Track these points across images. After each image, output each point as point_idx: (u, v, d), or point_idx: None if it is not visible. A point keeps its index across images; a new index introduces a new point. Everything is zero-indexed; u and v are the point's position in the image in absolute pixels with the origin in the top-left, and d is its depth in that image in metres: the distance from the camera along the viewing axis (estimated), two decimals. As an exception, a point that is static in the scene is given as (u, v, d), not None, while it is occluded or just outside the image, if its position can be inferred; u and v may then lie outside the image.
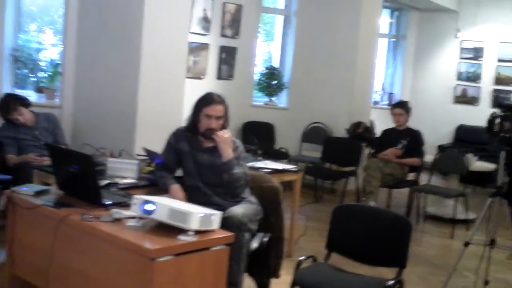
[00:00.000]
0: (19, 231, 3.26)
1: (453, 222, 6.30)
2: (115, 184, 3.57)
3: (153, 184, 3.79)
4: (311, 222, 5.95)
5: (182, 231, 2.71)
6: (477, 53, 10.20)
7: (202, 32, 6.83)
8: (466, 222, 6.55)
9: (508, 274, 4.77)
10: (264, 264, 3.77)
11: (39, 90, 5.60)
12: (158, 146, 4.13)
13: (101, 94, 5.23)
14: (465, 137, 10.08)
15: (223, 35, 7.24)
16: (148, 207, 2.77)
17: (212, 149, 3.70)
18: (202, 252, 2.74)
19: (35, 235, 3.12)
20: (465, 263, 4.63)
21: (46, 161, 4.45)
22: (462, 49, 10.31)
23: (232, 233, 2.93)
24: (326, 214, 6.58)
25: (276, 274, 3.97)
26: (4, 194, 3.35)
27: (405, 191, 6.97)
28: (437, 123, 9.69)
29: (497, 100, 9.73)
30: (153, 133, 4.83)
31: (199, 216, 2.73)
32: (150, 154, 4.12)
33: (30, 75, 5.73)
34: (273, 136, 7.98)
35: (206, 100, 3.65)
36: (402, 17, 10.66)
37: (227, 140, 3.60)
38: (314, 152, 7.80)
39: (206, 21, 6.88)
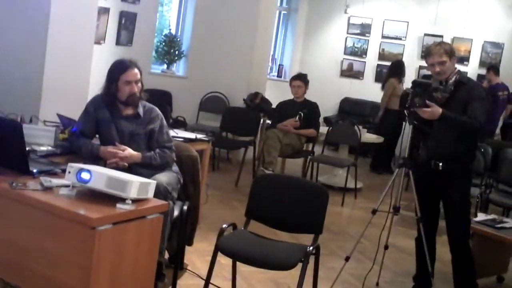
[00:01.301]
0: None
1: (343, 190, 6.71)
2: (33, 151, 3.46)
3: (69, 151, 3.71)
4: (211, 191, 6.06)
5: (119, 200, 2.72)
6: (364, 29, 10.72)
7: (102, -5, 6.61)
8: (355, 191, 6.99)
9: (400, 240, 5.20)
10: (180, 232, 3.85)
11: None
12: (65, 112, 4.03)
13: (6, 56, 4.91)
14: (349, 109, 10.62)
15: (124, 0, 7.06)
16: (84, 175, 2.75)
17: (133, 117, 3.69)
18: (139, 221, 2.78)
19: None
20: (359, 229, 4.98)
21: None
22: (350, 24, 10.77)
23: (166, 202, 2.99)
24: (225, 182, 6.81)
25: (190, 242, 4.08)
26: None
27: (297, 161, 7.29)
28: (324, 95, 10.06)
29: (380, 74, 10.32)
30: (60, 99, 4.68)
31: (137, 185, 2.75)
32: (64, 120, 4.00)
33: None
34: (171, 105, 7.95)
35: (122, 67, 3.63)
36: (295, -10, 10.90)
37: (128, 154, 3.57)
38: (211, 121, 7.89)
39: (107, -16, 6.67)
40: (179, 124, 7.30)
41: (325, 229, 5.39)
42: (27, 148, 3.39)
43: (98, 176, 2.74)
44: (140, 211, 2.76)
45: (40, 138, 3.68)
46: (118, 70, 3.62)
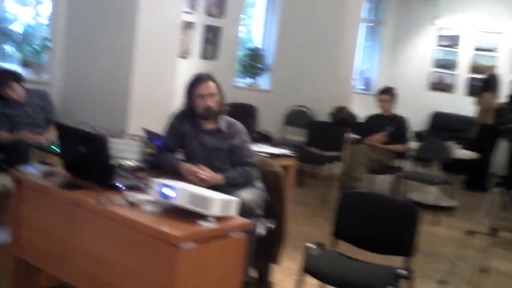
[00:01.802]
0: (26, 213, 3.12)
1: (435, 209, 6.38)
2: (120, 166, 3.46)
3: (154, 166, 3.70)
4: (297, 207, 5.93)
5: (201, 217, 2.64)
6: (453, 41, 10.30)
7: (189, 10, 6.68)
8: (448, 209, 6.65)
9: (498, 263, 4.85)
10: (266, 251, 3.74)
11: (25, 64, 5.39)
12: (150, 126, 4.05)
13: (93, 71, 5.07)
14: (441, 124, 10.20)
15: (209, 14, 7.11)
16: (167, 191, 2.69)
17: (215, 131, 3.64)
18: (223, 239, 2.68)
19: (46, 219, 3.00)
20: (451, 250, 4.69)
21: (41, 139, 4.31)
22: (439, 36, 10.38)
23: (250, 220, 2.88)
24: (310, 198, 6.67)
25: (276, 261, 3.95)
26: (5, 174, 3.22)
27: (385, 177, 7.02)
28: (413, 109, 9.73)
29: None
30: (146, 113, 4.75)
31: (220, 202, 2.66)
32: (150, 134, 4.02)
33: (16, 49, 5.51)
34: (255, 118, 7.91)
35: (194, 82, 3.60)
36: (381, 2, 10.66)
37: (209, 177, 3.47)
38: (296, 135, 7.78)
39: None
40: (264, 138, 7.23)
41: (417, 250, 5.19)
42: (113, 163, 3.42)
43: (181, 192, 2.68)
44: (223, 229, 2.67)
45: (126, 152, 3.69)
46: (191, 84, 3.60)
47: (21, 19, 5.69)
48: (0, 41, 5.34)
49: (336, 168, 7.01)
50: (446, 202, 6.65)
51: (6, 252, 3.26)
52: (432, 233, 6.02)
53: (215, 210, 2.64)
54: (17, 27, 5.62)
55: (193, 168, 3.49)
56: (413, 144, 7.03)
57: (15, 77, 4.52)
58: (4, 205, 3.54)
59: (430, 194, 6.86)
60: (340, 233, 3.51)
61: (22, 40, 5.49)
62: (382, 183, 7.23)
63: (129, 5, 4.77)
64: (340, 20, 7.71)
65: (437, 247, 5.49)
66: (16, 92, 4.49)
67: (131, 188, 2.98)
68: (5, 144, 4.35)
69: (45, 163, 3.36)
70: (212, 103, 3.57)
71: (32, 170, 3.10)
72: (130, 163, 3.60)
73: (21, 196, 3.12)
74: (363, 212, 3.48)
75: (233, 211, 2.80)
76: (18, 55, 5.51)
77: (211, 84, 3.59)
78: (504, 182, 3.63)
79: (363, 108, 8.25)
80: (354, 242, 3.49)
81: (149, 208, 2.73)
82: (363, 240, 3.45)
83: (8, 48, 5.55)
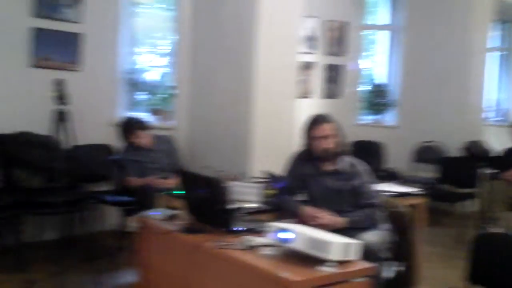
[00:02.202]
0: (151, 255, 3.22)
1: None
2: (241, 209, 3.47)
3: (275, 209, 3.66)
4: (430, 247, 5.62)
5: (319, 261, 2.54)
6: None
7: (308, 50, 6.71)
8: None
9: None
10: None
11: (154, 112, 5.66)
12: (271, 168, 4.04)
13: (215, 115, 5.22)
14: None
15: (330, 53, 7.09)
16: (285, 235, 2.63)
17: (335, 173, 3.55)
18: (344, 285, 2.56)
19: (168, 261, 3.07)
20: None
21: (167, 183, 4.46)
22: None
23: (373, 264, 2.74)
24: (445, 238, 6.29)
25: (407, 305, 3.73)
26: (134, 217, 3.34)
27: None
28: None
29: None
30: (266, 155, 4.76)
31: (340, 245, 2.55)
32: (272, 177, 4.01)
33: (145, 97, 5.81)
34: (382, 156, 7.69)
35: (310, 123, 3.58)
36: (511, 29, 10.08)
37: (330, 221, 3.38)
38: (425, 172, 7.46)
39: (311, 40, 6.76)
40: (391, 176, 6.98)
41: None
42: (234, 206, 3.43)
43: (299, 236, 2.61)
44: (343, 274, 2.54)
45: (247, 195, 3.72)
46: (307, 126, 3.57)
47: (153, 69, 5.99)
48: (131, 91, 5.64)
49: (471, 206, 6.60)
50: None
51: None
52: None
53: (335, 254, 2.53)
54: (149, 76, 5.92)
55: (314, 212, 3.42)
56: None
57: (139, 125, 4.74)
58: (132, 246, 3.67)
59: None
60: (476, 277, 3.24)
61: (152, 89, 5.78)
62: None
63: (246, 50, 4.88)
64: (466, 50, 7.43)
65: None
66: (142, 139, 4.69)
67: (250, 231, 2.97)
68: (135, 188, 4.55)
69: (170, 207, 3.45)
70: (328, 144, 3.51)
71: (157, 214, 3.18)
72: (251, 205, 3.60)
73: (145, 239, 3.21)
74: (502, 255, 3.20)
75: (354, 254, 2.67)
76: (148, 103, 5.80)
77: (325, 126, 3.54)
78: None
79: (499, 140, 7.74)
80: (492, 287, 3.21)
81: (266, 251, 2.69)
82: (503, 285, 3.16)
83: (141, 96, 5.86)
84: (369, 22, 8.01)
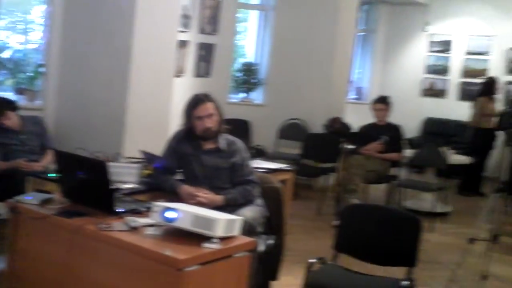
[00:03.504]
0: (22, 242, 3.09)
1: (430, 215, 6.39)
2: (118, 189, 3.45)
3: (153, 188, 3.69)
4: (294, 220, 5.91)
5: (204, 238, 2.64)
6: (445, 46, 10.34)
7: (182, 29, 6.70)
8: (443, 215, 6.65)
9: (498, 268, 4.84)
10: (266, 267, 3.73)
11: (19, 91, 5.38)
12: (148, 147, 4.04)
13: (88, 95, 5.06)
14: (433, 130, 10.23)
15: (202, 32, 7.13)
16: (170, 214, 2.69)
17: (215, 151, 3.65)
18: (226, 260, 2.68)
19: (46, 247, 2.98)
20: (449, 257, 4.67)
21: (36, 166, 4.30)
22: (431, 42, 10.44)
23: (253, 239, 2.88)
24: (307, 211, 6.64)
25: (275, 277, 3.94)
26: (2, 203, 3.20)
27: (379, 186, 7.01)
28: (406, 116, 9.75)
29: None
30: (143, 135, 4.74)
31: (223, 222, 2.66)
32: (148, 156, 4.01)
33: (8, 76, 5.51)
34: (249, 134, 7.91)
35: (192, 103, 3.62)
36: (372, 11, 10.71)
37: (208, 199, 3.47)
38: (291, 149, 7.77)
39: (186, 18, 6.74)
40: (258, 153, 7.21)
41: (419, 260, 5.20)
42: (111, 187, 3.41)
43: (184, 214, 2.67)
44: (227, 250, 2.66)
45: (124, 175, 3.69)
46: (189, 106, 3.62)
47: (11, 46, 5.68)
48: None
49: (332, 180, 7.00)
50: (441, 208, 6.65)
51: (1, 281, 3.24)
52: (427, 240, 5.97)
53: (219, 231, 2.64)
54: (7, 54, 5.61)
55: (193, 190, 3.49)
56: (408, 152, 7.04)
57: (9, 105, 4.52)
58: (1, 234, 3.52)
59: (425, 201, 6.87)
60: (341, 246, 3.52)
61: (14, 67, 5.48)
62: (377, 192, 7.22)
63: (124, 27, 4.78)
64: (334, 31, 7.73)
65: (433, 254, 5.48)
66: (11, 120, 4.48)
67: (131, 212, 2.98)
68: (1, 173, 4.33)
69: (42, 191, 3.34)
70: (210, 123, 3.59)
71: (30, 198, 3.08)
72: (129, 186, 3.60)
73: (17, 225, 3.09)
74: (365, 224, 3.49)
75: (236, 231, 2.80)
76: (10, 82, 5.50)
77: (209, 105, 3.60)
78: (505, 187, 3.64)
79: (356, 117, 8.25)
80: (356, 254, 3.50)
81: (151, 232, 2.73)
82: (366, 252, 3.46)
83: (3, 75, 5.55)
84: (242, 1, 8.13)
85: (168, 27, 5.03)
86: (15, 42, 5.81)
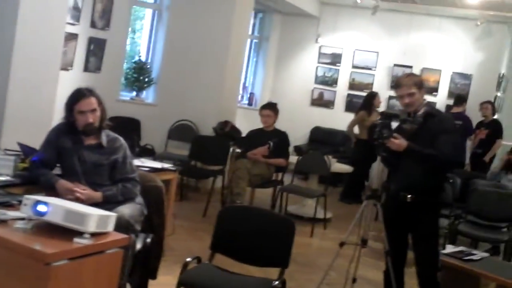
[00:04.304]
0: None
1: (312, 221, 6.65)
2: (-10, 181, 3.34)
3: (29, 182, 3.59)
4: (179, 221, 5.95)
5: (77, 233, 2.62)
6: (335, 59, 10.78)
7: (71, 21, 6.53)
8: (324, 221, 6.93)
9: (369, 272, 5.13)
10: (143, 265, 3.73)
11: None
12: (27, 141, 3.93)
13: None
14: (320, 138, 10.62)
15: (93, 26, 6.98)
16: (41, 208, 2.64)
17: (95, 147, 3.61)
18: (98, 255, 2.66)
19: None
20: (326, 261, 4.90)
21: None
22: (321, 54, 10.84)
23: (126, 236, 2.89)
24: (193, 213, 6.69)
25: (154, 275, 3.94)
26: None
27: (267, 190, 7.20)
28: (295, 124, 10.08)
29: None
30: (23, 127, 4.59)
31: (96, 218, 2.65)
32: (25, 149, 3.89)
33: None
34: (139, 132, 7.84)
35: (75, 97, 3.56)
36: (266, 19, 10.96)
37: (86, 195, 3.44)
38: (180, 150, 7.79)
39: (76, 11, 6.58)
40: (147, 152, 7.17)
41: (293, 261, 5.32)
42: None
43: (55, 208, 2.63)
44: (98, 246, 2.65)
45: (-1, 167, 3.57)
46: (72, 100, 3.54)
47: None
48: None
49: (220, 182, 7.09)
50: (322, 214, 6.93)
51: None
52: (308, 244, 6.27)
53: (91, 227, 2.62)
54: None
55: (70, 185, 3.43)
56: (293, 158, 7.27)
57: None
58: None
59: (308, 207, 7.13)
60: (218, 246, 3.60)
61: None
62: (263, 196, 7.41)
63: (7, 14, 4.59)
64: (227, 35, 7.82)
65: (312, 258, 5.72)
66: None
67: (1, 205, 2.89)
68: None
69: None
70: (93, 119, 3.54)
71: None
72: (3, 178, 3.48)
73: None
74: (242, 225, 3.59)
75: (110, 226, 2.79)
76: None
77: (92, 100, 3.56)
78: (374, 194, 3.88)
79: (247, 123, 8.42)
80: (233, 255, 3.59)
81: (20, 225, 2.66)
82: (241, 253, 3.56)
83: None
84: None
85: (56, 18, 4.89)
86: None
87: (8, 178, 3.53)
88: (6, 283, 2.55)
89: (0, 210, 2.79)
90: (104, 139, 3.62)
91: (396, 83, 3.93)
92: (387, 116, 3.70)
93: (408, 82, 3.79)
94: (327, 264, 4.39)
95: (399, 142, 3.64)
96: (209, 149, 7.25)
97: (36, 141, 3.79)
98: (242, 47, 8.24)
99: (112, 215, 2.82)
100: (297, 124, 10.41)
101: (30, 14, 4.64)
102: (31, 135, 4.16)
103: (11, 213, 2.76)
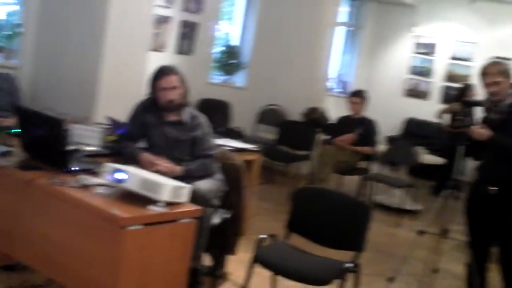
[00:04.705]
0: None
1: (399, 211, 6.50)
2: (79, 150, 3.51)
3: (115, 153, 3.75)
4: (264, 203, 6.01)
5: (152, 201, 2.71)
6: (430, 49, 10.43)
7: (165, 4, 6.72)
8: (412, 212, 6.76)
9: (452, 265, 4.95)
10: (222, 240, 3.81)
11: (-4, 49, 5.42)
12: (117, 115, 4.09)
13: (63, 58, 5.10)
14: (414, 130, 10.33)
15: (186, 10, 7.16)
16: (119, 175, 2.76)
17: (177, 123, 3.70)
18: (171, 224, 2.75)
19: (-1, 196, 3.05)
20: (413, 252, 4.79)
21: (3, 121, 4.33)
22: (416, 44, 10.53)
23: (199, 207, 2.95)
24: (279, 195, 6.73)
25: (232, 251, 4.02)
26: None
27: (355, 178, 7.11)
28: (387, 114, 9.86)
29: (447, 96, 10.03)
30: (113, 103, 4.79)
31: (170, 188, 2.73)
32: (114, 123, 4.07)
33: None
34: (229, 115, 7.97)
35: (157, 74, 3.66)
36: (361, 7, 10.78)
37: (167, 169, 3.50)
38: (269, 133, 7.86)
39: (170, -6, 6.79)
40: (235, 134, 7.28)
41: (376, 250, 5.28)
42: (74, 147, 3.47)
43: (132, 177, 2.75)
44: (171, 214, 2.74)
45: (88, 138, 3.76)
46: (154, 77, 3.65)
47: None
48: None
49: (306, 167, 7.09)
50: (410, 206, 6.76)
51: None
52: (392, 234, 6.12)
53: (165, 196, 2.71)
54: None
55: (152, 158, 3.55)
56: (382, 147, 7.13)
57: None
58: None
59: (395, 197, 6.97)
60: (293, 226, 3.60)
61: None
62: (350, 183, 7.32)
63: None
64: (316, 22, 7.80)
65: (395, 248, 5.59)
66: (-20, 75, 4.53)
67: (86, 171, 3.04)
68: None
69: (5, 144, 3.40)
70: (174, 96, 3.62)
71: (-11, 150, 3.14)
72: (91, 148, 3.66)
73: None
74: (317, 207, 3.57)
75: (184, 197, 2.87)
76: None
77: (173, 78, 3.64)
78: (456, 185, 3.73)
79: (338, 110, 8.33)
80: (307, 235, 3.58)
81: (100, 190, 2.80)
82: (316, 234, 3.54)
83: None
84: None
85: (144, 1, 5.07)
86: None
87: (96, 148, 3.70)
88: (85, 243, 2.69)
89: (84, 176, 2.93)
90: (185, 116, 3.70)
91: (481, 71, 3.74)
92: (469, 104, 3.55)
93: (493, 71, 3.61)
94: (411, 255, 4.30)
95: (480, 131, 3.48)
96: (296, 134, 7.27)
97: (125, 116, 3.95)
98: (330, 34, 8.18)
99: (186, 186, 2.89)
100: (390, 114, 10.16)
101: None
102: (121, 110, 4.34)
103: (94, 180, 2.90)
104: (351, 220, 3.44)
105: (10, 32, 5.48)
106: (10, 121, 4.33)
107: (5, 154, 3.15)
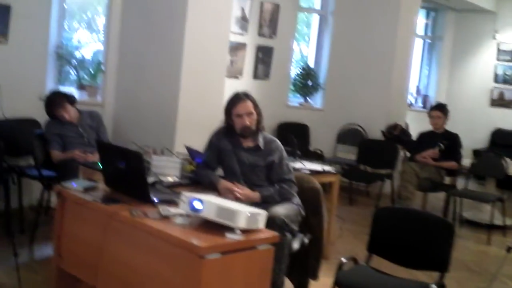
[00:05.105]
0: (67, 226, 3.34)
1: (489, 227, 6.22)
2: (160, 181, 3.62)
3: (195, 182, 3.83)
4: (346, 225, 5.93)
5: (229, 229, 2.75)
6: (514, 56, 10.05)
7: (239, 31, 6.86)
8: (503, 228, 6.45)
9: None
10: (303, 265, 3.79)
11: (81, 87, 5.70)
12: (198, 145, 4.19)
13: (143, 92, 5.31)
14: (502, 141, 9.91)
15: (261, 35, 7.27)
16: (196, 204, 2.81)
17: (254, 149, 3.73)
18: (248, 251, 2.78)
19: (84, 230, 3.20)
20: (503, 270, 4.58)
21: (91, 157, 4.55)
22: (500, 50, 10.15)
23: (277, 233, 2.96)
24: (361, 216, 6.63)
25: (315, 276, 3.97)
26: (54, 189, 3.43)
27: (440, 195, 6.89)
28: (472, 126, 9.57)
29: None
30: (193, 132, 4.90)
31: (246, 215, 2.76)
32: (192, 152, 4.17)
33: (73, 72, 5.82)
34: (308, 137, 7.97)
35: (232, 101, 3.72)
36: (439, 18, 10.55)
37: (244, 195, 3.56)
38: (348, 153, 7.78)
39: (243, 20, 6.91)
40: (316, 156, 7.26)
41: (466, 268, 5.09)
42: (154, 179, 3.59)
43: (208, 205, 2.79)
44: (249, 242, 2.76)
45: (168, 169, 3.85)
46: (229, 104, 3.72)
47: (86, 45, 6.03)
48: (58, 65, 5.65)
49: (388, 186, 6.95)
50: (500, 221, 6.46)
51: (51, 264, 3.47)
52: (483, 252, 5.86)
53: (241, 223, 2.73)
54: (81, 52, 5.96)
55: (230, 185, 3.60)
56: (467, 161, 6.89)
57: (68, 99, 4.81)
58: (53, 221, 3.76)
59: (484, 213, 6.68)
60: (375, 247, 3.53)
61: (81, 64, 5.81)
62: (435, 201, 7.11)
63: (175, 29, 4.98)
64: (393, 36, 7.67)
65: (486, 266, 5.35)
66: (69, 113, 4.77)
67: (165, 202, 3.13)
68: (58, 162, 4.63)
69: (90, 179, 3.56)
70: (249, 121, 3.67)
71: (75, 185, 3.30)
72: (170, 179, 3.76)
73: (63, 210, 3.33)
74: (398, 227, 3.49)
75: (260, 224, 2.89)
76: (74, 78, 5.82)
77: (248, 103, 3.69)
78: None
79: (419, 126, 8.14)
80: (389, 257, 3.50)
81: (179, 220, 2.86)
82: (398, 255, 3.46)
83: (70, 71, 5.89)
84: (303, 5, 8.21)
85: (219, 29, 5.19)
86: (85, 41, 6.14)
87: (175, 178, 3.80)
88: (166, 272, 2.76)
89: (165, 207, 3.01)
90: (261, 141, 3.73)
91: None
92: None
93: None
94: (504, 274, 4.10)
95: None
96: (377, 152, 7.16)
97: (204, 145, 4.04)
98: (408, 47, 8.00)
99: (262, 213, 2.91)
100: (475, 126, 9.84)
101: (196, 28, 4.98)
102: (200, 139, 4.44)
103: (173, 210, 2.98)
104: (433, 239, 3.34)
105: (93, 70, 5.77)
106: (95, 157, 4.55)
107: (89, 189, 3.29)
